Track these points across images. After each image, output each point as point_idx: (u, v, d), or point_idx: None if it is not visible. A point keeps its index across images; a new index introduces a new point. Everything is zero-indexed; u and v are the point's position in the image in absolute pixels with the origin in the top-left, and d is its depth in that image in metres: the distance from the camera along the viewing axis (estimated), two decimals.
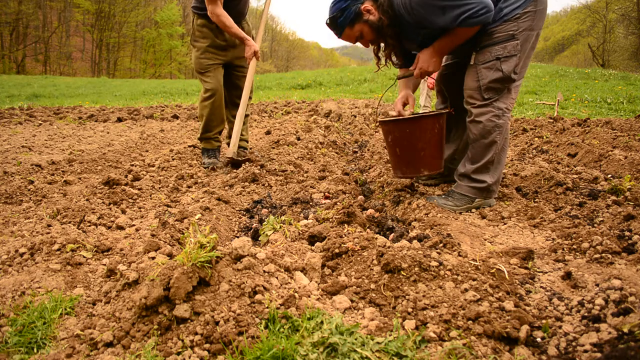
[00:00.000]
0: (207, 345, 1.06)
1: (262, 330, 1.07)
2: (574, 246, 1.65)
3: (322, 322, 1.10)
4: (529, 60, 2.16)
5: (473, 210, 2.20)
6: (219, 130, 3.57)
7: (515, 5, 2.00)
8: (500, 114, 2.10)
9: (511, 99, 2.14)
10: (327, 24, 2.18)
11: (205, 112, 3.42)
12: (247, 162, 3.23)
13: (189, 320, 1.12)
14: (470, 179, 2.20)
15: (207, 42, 3.31)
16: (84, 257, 1.59)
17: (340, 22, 2.11)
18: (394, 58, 2.33)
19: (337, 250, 1.50)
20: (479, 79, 2.09)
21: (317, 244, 1.63)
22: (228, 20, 3.13)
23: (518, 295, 1.31)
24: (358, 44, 2.30)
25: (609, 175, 2.81)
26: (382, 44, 2.26)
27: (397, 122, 2.19)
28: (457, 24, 1.93)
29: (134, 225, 2.08)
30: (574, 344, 1.06)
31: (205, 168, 3.40)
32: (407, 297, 1.22)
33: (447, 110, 2.27)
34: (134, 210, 2.32)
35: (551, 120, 5.39)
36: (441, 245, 1.56)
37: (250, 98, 3.62)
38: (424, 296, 1.21)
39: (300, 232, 1.80)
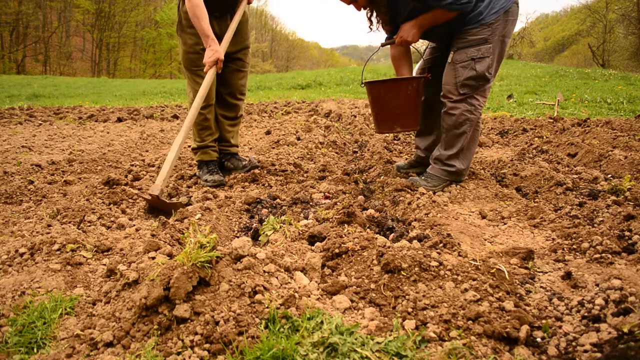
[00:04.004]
0: (207, 345, 1.06)
1: (262, 330, 1.07)
2: (574, 246, 1.65)
3: (322, 322, 1.10)
4: (500, 63, 2.44)
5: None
6: (215, 137, 3.05)
7: (493, 11, 2.28)
8: (473, 110, 2.39)
9: (483, 97, 2.43)
10: None
11: (198, 117, 2.86)
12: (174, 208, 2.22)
13: (189, 320, 1.12)
14: (442, 162, 2.52)
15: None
16: (84, 257, 1.59)
17: None
18: (382, 24, 2.58)
19: (337, 250, 1.50)
20: (456, 77, 2.37)
21: (317, 244, 1.63)
22: (200, 10, 2.53)
23: (518, 295, 1.31)
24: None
25: (609, 175, 2.81)
26: (374, 11, 2.51)
27: (375, 84, 2.49)
28: (442, 4, 2.21)
29: (134, 225, 2.08)
30: (574, 344, 1.06)
31: (210, 186, 2.81)
32: (407, 297, 1.22)
33: (422, 75, 2.49)
34: (134, 210, 2.32)
35: (551, 120, 5.39)
36: (441, 245, 1.56)
37: (204, 104, 2.85)
38: (424, 296, 1.21)
39: (300, 232, 1.80)
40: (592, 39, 34.03)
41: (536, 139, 4.22)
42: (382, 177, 2.84)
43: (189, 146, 4.18)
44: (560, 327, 1.15)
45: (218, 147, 3.13)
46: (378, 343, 1.04)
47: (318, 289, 1.33)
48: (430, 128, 2.79)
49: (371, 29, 2.58)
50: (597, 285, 1.30)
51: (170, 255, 1.47)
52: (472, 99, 2.38)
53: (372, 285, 1.29)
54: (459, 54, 2.35)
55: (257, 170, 3.00)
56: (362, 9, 2.48)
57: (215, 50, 2.58)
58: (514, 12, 2.33)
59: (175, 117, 7.33)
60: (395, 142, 4.44)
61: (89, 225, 2.00)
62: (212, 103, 2.94)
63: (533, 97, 8.89)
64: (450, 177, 2.52)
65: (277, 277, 1.30)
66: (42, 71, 34.57)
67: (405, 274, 1.28)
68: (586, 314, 1.15)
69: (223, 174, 3.06)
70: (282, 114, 7.28)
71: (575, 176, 2.73)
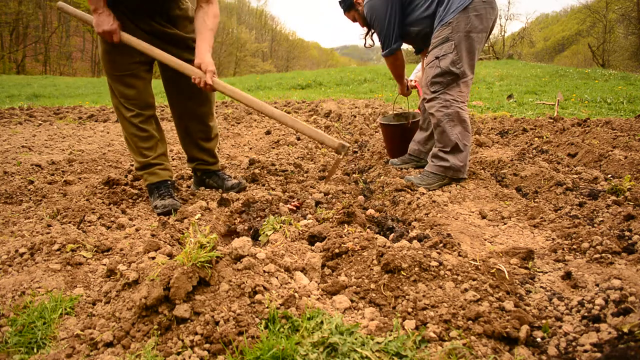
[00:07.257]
0: (207, 345, 1.06)
1: (262, 330, 1.07)
2: (574, 246, 1.65)
3: (322, 322, 1.10)
4: (475, 58, 2.47)
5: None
6: (161, 152, 2.37)
7: (451, 11, 2.43)
8: (448, 105, 2.47)
9: (459, 92, 2.48)
10: (338, 2, 2.89)
11: (131, 130, 2.27)
12: None
13: (189, 320, 1.12)
14: (437, 158, 2.58)
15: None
16: (84, 257, 1.59)
17: (342, 4, 2.86)
18: (368, 41, 3.03)
19: (337, 250, 1.50)
20: (426, 77, 2.55)
21: (317, 244, 1.63)
22: None
23: (518, 295, 1.31)
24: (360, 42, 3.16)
25: (609, 175, 2.81)
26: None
27: (383, 126, 3.27)
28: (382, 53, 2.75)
29: (134, 225, 2.08)
30: (574, 344, 1.06)
31: (158, 214, 2.21)
32: (407, 297, 1.22)
33: (402, 122, 3.13)
34: (134, 210, 2.32)
35: (551, 120, 5.39)
36: (441, 245, 1.56)
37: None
38: (424, 296, 1.21)
39: (300, 232, 1.80)
40: (592, 39, 34.02)
41: (536, 139, 4.22)
42: (382, 177, 2.84)
43: None
44: (560, 327, 1.15)
45: (196, 166, 2.63)
46: (378, 343, 1.04)
47: (318, 289, 1.33)
48: (427, 125, 2.93)
49: (365, 46, 3.06)
50: (597, 285, 1.30)
51: (170, 255, 1.47)
52: (444, 94, 2.48)
53: (372, 285, 1.29)
54: (428, 57, 2.56)
55: (257, 171, 3.00)
56: (363, 26, 2.91)
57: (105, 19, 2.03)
58: (478, 8, 2.38)
59: None
60: None
61: (89, 225, 2.00)
62: (153, 105, 2.35)
63: (533, 97, 8.89)
64: (446, 172, 2.54)
65: (277, 277, 1.30)
66: (42, 71, 34.55)
67: (405, 274, 1.28)
68: (586, 314, 1.15)
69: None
70: None
71: (575, 176, 2.73)
